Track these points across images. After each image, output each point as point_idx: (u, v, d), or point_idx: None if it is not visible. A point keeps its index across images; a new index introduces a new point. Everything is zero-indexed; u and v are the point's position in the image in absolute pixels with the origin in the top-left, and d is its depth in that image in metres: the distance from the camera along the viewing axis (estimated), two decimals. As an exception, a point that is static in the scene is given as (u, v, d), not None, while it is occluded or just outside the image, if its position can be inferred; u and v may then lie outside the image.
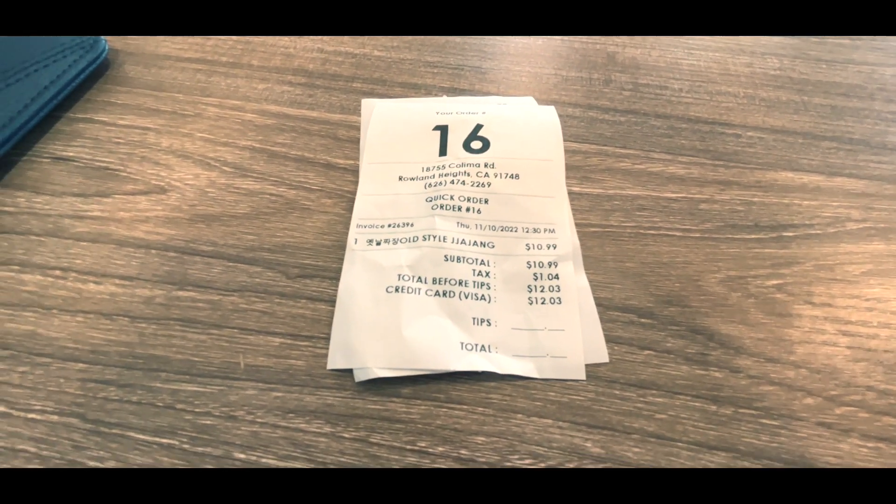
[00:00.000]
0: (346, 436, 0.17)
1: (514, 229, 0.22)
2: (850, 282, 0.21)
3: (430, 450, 0.17)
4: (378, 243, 0.21)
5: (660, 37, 0.33)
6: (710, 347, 0.20)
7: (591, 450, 0.17)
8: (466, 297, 0.20)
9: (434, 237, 0.21)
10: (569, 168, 0.25)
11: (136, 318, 0.20)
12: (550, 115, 0.26)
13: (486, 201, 0.23)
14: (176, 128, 0.26)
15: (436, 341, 0.19)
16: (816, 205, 0.24)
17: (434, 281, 0.20)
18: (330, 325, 0.20)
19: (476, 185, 0.23)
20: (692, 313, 0.20)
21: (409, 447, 0.17)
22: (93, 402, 0.18)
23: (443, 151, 0.24)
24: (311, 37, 0.32)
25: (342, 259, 0.21)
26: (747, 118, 0.28)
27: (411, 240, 0.21)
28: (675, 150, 0.26)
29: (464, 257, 0.21)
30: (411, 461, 0.17)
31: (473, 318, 0.20)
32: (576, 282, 0.21)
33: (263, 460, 0.17)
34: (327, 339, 0.19)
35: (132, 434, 0.17)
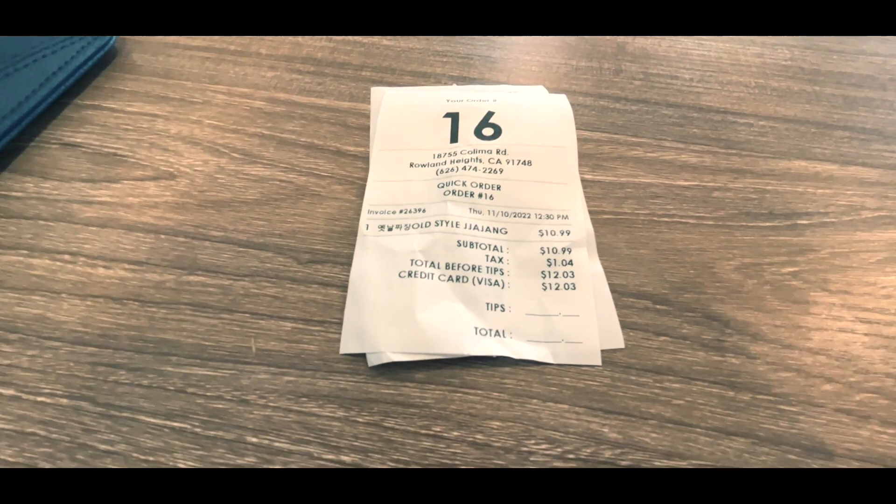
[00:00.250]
0: (360, 420, 0.17)
1: (528, 215, 0.22)
2: (866, 269, 0.21)
3: (444, 434, 0.17)
4: (390, 229, 0.21)
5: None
6: (726, 334, 0.19)
7: (608, 435, 0.17)
8: (480, 283, 0.20)
9: (446, 223, 0.21)
10: (581, 156, 0.25)
11: (145, 303, 0.20)
12: (562, 102, 0.26)
13: (499, 187, 0.22)
14: (184, 115, 0.26)
15: (450, 326, 0.19)
16: (831, 193, 0.24)
17: (447, 266, 0.20)
18: (342, 309, 0.19)
19: (488, 171, 0.23)
20: (708, 300, 0.20)
21: (423, 432, 0.17)
22: (103, 385, 0.18)
23: (454, 138, 0.24)
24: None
25: (353, 245, 0.21)
26: (759, 108, 0.28)
27: (423, 225, 0.21)
28: (687, 139, 0.26)
29: (477, 243, 0.21)
30: (426, 445, 0.17)
31: (487, 304, 0.19)
32: (590, 268, 0.20)
33: (276, 444, 0.17)
34: (339, 323, 0.19)
35: (143, 417, 0.17)
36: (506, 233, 0.21)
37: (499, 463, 0.17)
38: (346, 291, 0.20)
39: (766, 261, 0.21)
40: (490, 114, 0.25)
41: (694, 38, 0.32)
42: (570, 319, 0.19)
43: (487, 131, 0.24)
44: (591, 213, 0.23)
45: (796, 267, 0.21)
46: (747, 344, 0.19)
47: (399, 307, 0.19)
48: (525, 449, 0.17)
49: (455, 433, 0.17)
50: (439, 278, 0.20)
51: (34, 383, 0.18)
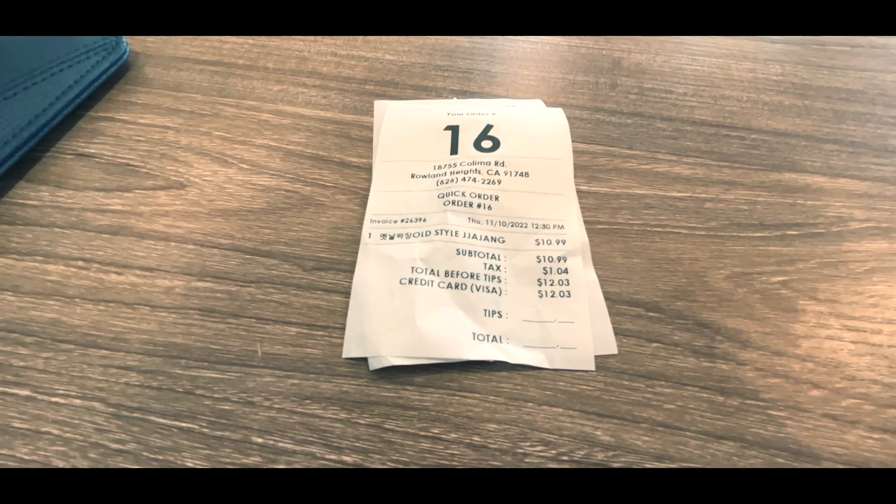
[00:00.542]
0: (361, 422, 0.18)
1: (524, 225, 0.22)
2: (854, 279, 0.22)
3: (443, 436, 0.18)
4: (391, 237, 0.22)
5: (664, 43, 0.33)
6: (716, 341, 0.20)
7: (601, 438, 0.18)
8: (478, 290, 0.20)
9: (446, 232, 0.22)
10: (576, 168, 0.25)
11: (156, 308, 0.20)
12: (559, 116, 0.27)
13: (497, 198, 0.23)
14: (194, 127, 0.27)
15: (449, 331, 0.19)
16: (820, 205, 0.25)
17: (446, 274, 0.21)
18: (345, 315, 0.20)
19: (487, 182, 0.24)
20: (699, 308, 0.21)
21: (422, 433, 0.18)
22: (114, 387, 0.18)
23: (454, 150, 0.25)
24: (325, 41, 0.32)
25: (356, 253, 0.22)
26: (751, 121, 0.29)
27: (424, 234, 0.22)
28: (680, 152, 0.27)
29: (475, 251, 0.21)
30: (425, 447, 0.17)
31: (485, 310, 0.20)
32: (585, 276, 0.21)
33: (280, 444, 0.17)
34: (342, 328, 0.20)
35: (153, 418, 0.18)
36: (503, 242, 0.22)
37: (495, 464, 0.17)
38: (348, 298, 0.21)
39: (756, 270, 0.22)
40: (489, 127, 0.26)
41: (688, 53, 0.33)
42: (566, 326, 0.20)
43: (486, 143, 0.25)
44: (586, 223, 0.23)
45: (785, 276, 0.22)
46: (737, 350, 0.20)
47: (400, 313, 0.20)
48: (521, 451, 0.17)
49: (453, 435, 0.18)
50: (439, 285, 0.20)
51: (49, 384, 0.18)
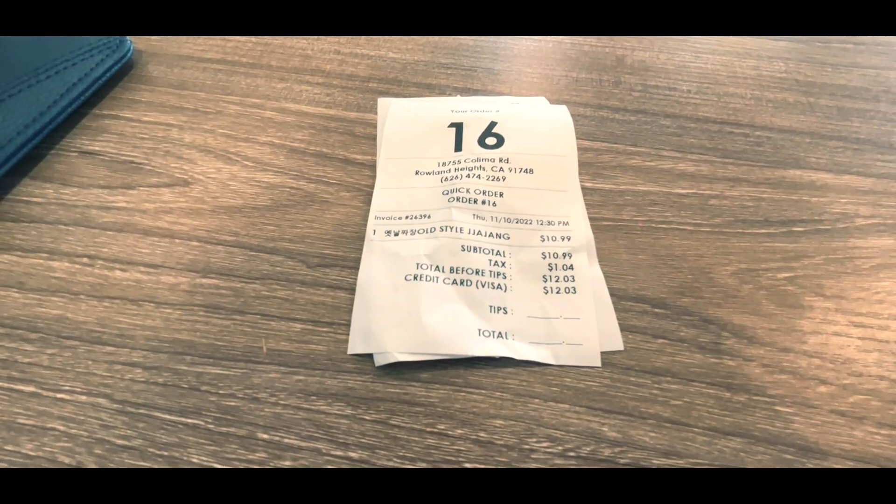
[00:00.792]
0: (367, 418, 0.18)
1: (529, 221, 0.22)
2: (860, 275, 0.22)
3: (449, 432, 0.18)
4: (396, 234, 0.22)
5: (668, 41, 0.33)
6: (723, 337, 0.20)
7: (607, 434, 0.18)
8: (483, 286, 0.20)
9: (451, 228, 0.22)
10: (581, 165, 0.25)
11: (161, 304, 0.20)
12: (563, 113, 0.27)
13: (501, 195, 0.23)
14: (198, 124, 0.27)
15: (454, 327, 0.19)
16: (825, 201, 0.25)
17: (451, 270, 0.21)
18: (350, 311, 0.20)
19: (491, 179, 0.24)
20: (705, 304, 0.21)
21: (428, 429, 0.18)
22: (119, 383, 0.18)
23: (458, 147, 0.25)
24: (328, 39, 0.32)
25: (361, 249, 0.22)
26: (755, 118, 0.29)
27: (429, 231, 0.22)
28: (684, 149, 0.27)
29: (480, 248, 0.21)
30: (431, 443, 0.17)
31: (490, 306, 0.20)
32: (590, 272, 0.21)
33: (286, 440, 0.17)
34: (347, 325, 0.20)
35: (158, 414, 0.18)
36: (508, 238, 0.22)
37: (501, 460, 0.17)
38: (353, 294, 0.20)
39: (761, 266, 0.22)
40: (493, 124, 0.26)
41: (691, 51, 0.33)
42: (571, 322, 0.20)
43: (490, 140, 0.25)
44: (591, 219, 0.23)
45: (791, 272, 0.22)
46: (743, 347, 0.20)
47: (405, 309, 0.20)
48: (527, 447, 0.17)
49: (459, 431, 0.18)
50: (444, 282, 0.20)
51: (54, 381, 0.18)
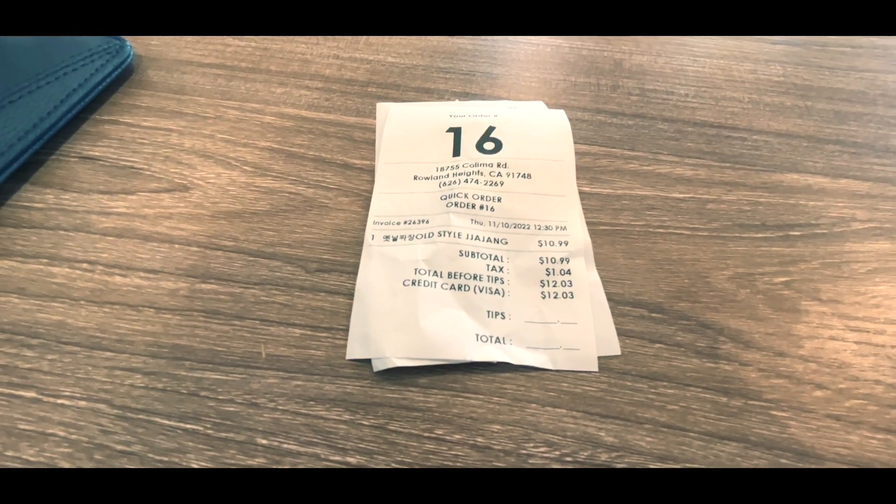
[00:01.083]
0: (365, 423, 0.18)
1: (527, 226, 0.23)
2: (856, 279, 0.22)
3: (447, 437, 0.18)
4: (394, 239, 0.22)
5: (665, 45, 0.33)
6: (719, 341, 0.20)
7: (604, 439, 0.18)
8: (481, 291, 0.21)
9: (449, 233, 0.22)
10: (578, 169, 0.25)
11: (160, 309, 0.20)
12: (560, 118, 0.27)
13: (499, 199, 0.23)
14: (198, 129, 0.27)
15: (452, 332, 0.19)
16: (822, 205, 0.25)
17: (449, 275, 0.21)
18: (348, 317, 0.20)
19: (489, 184, 0.24)
20: (702, 308, 0.21)
21: (426, 434, 0.18)
22: (119, 388, 0.18)
23: (456, 152, 0.25)
24: (327, 44, 0.33)
25: (359, 254, 0.22)
26: (752, 122, 0.29)
27: (427, 236, 0.22)
28: (682, 153, 0.27)
29: (478, 253, 0.22)
30: (429, 448, 0.17)
31: (488, 311, 0.20)
32: (587, 277, 0.21)
33: (285, 446, 0.17)
34: (346, 330, 0.20)
35: (158, 420, 0.18)
36: (506, 243, 0.22)
37: (499, 465, 0.17)
38: (352, 299, 0.21)
39: (758, 271, 0.22)
40: (491, 128, 0.26)
41: (689, 55, 0.33)
42: (568, 327, 0.20)
43: (489, 145, 0.25)
44: (588, 224, 0.23)
45: (788, 277, 0.22)
46: (740, 351, 0.20)
47: (403, 314, 0.20)
48: (524, 452, 0.17)
49: (457, 436, 0.18)
50: (442, 287, 0.20)
51: (54, 386, 0.18)
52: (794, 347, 0.20)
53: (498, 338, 0.19)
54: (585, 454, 0.17)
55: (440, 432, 0.18)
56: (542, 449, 0.17)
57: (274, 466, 0.17)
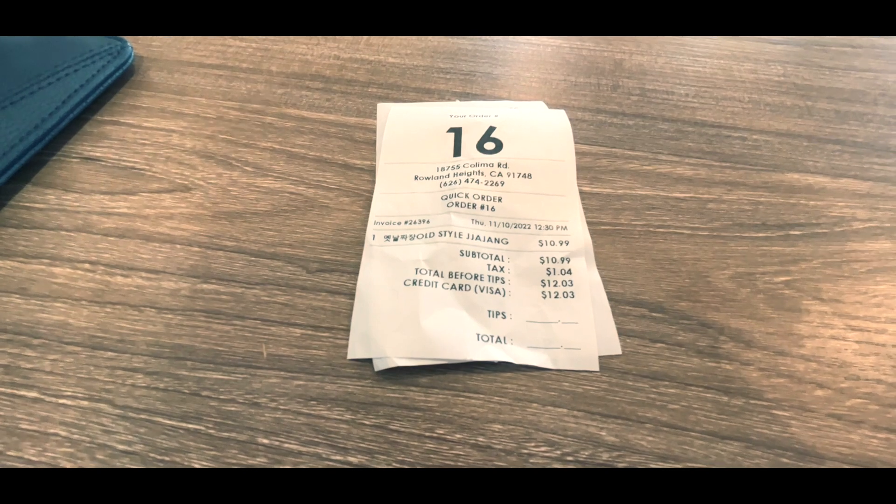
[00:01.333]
0: (367, 423, 0.18)
1: (528, 226, 0.23)
2: (857, 279, 0.22)
3: (448, 437, 0.18)
4: (395, 239, 0.22)
5: (665, 45, 0.33)
6: (720, 341, 0.20)
7: (605, 438, 0.18)
8: (482, 291, 0.21)
9: (450, 233, 0.22)
10: (579, 169, 0.25)
11: (162, 310, 0.20)
12: (561, 117, 0.27)
13: (500, 199, 0.23)
14: (199, 130, 0.27)
15: (453, 332, 0.19)
16: (822, 205, 0.25)
17: (450, 275, 0.21)
18: (349, 316, 0.20)
19: (490, 184, 0.24)
20: (702, 308, 0.21)
21: (427, 434, 0.18)
22: (121, 388, 0.18)
23: (457, 152, 0.25)
24: (328, 45, 0.33)
25: (360, 254, 0.22)
26: (753, 122, 0.29)
27: (427, 236, 0.22)
28: (682, 153, 0.27)
29: (479, 252, 0.22)
30: (430, 447, 0.17)
31: (489, 311, 0.20)
32: (588, 276, 0.21)
33: (286, 445, 0.17)
34: (347, 330, 0.20)
35: (159, 419, 0.18)
36: (507, 243, 0.22)
37: (500, 464, 0.17)
38: (353, 299, 0.21)
39: (759, 270, 0.22)
40: (492, 129, 0.26)
41: (689, 55, 0.33)
42: (569, 326, 0.20)
43: (489, 145, 0.25)
44: (589, 224, 0.23)
45: (789, 276, 0.22)
46: (741, 351, 0.20)
47: (404, 314, 0.20)
48: (525, 451, 0.17)
49: (458, 436, 0.18)
50: (443, 286, 0.20)
51: (56, 386, 0.18)
52: (795, 347, 0.20)
53: (499, 337, 0.20)
54: (586, 454, 0.17)
55: (441, 432, 0.18)
56: (543, 448, 0.17)
57: (275, 466, 0.17)
